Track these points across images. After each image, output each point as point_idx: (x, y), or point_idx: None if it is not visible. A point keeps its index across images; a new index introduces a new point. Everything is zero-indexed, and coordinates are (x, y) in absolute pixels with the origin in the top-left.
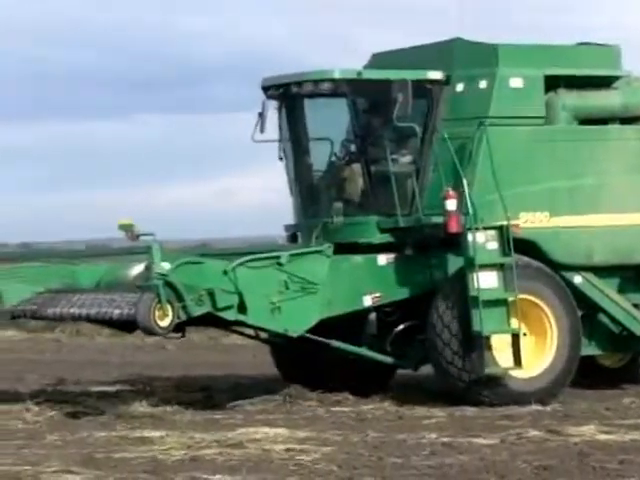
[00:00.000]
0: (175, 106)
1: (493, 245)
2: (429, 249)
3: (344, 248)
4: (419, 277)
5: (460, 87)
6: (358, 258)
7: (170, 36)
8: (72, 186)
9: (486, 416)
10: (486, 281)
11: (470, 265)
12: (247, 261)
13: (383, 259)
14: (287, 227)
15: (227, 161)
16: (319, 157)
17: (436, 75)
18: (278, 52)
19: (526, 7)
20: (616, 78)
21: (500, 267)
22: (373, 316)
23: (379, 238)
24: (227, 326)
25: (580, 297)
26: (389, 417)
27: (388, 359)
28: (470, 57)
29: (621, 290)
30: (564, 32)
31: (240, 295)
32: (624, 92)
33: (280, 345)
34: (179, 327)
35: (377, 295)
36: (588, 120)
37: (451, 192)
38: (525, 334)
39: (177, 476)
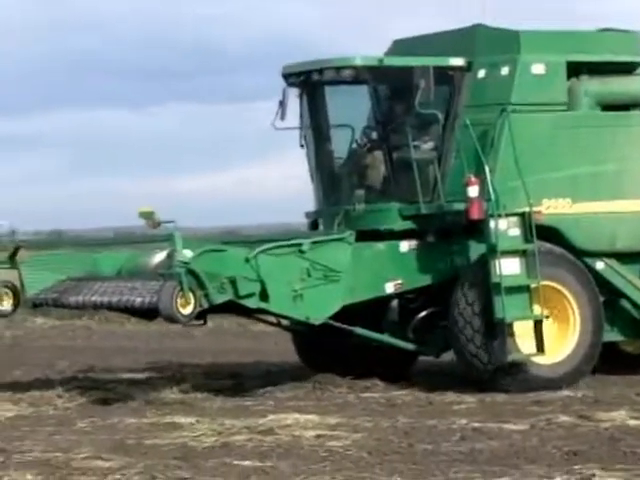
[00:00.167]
0: (200, 94)
1: (515, 232)
2: (451, 236)
3: (366, 235)
4: (441, 264)
5: (482, 73)
6: (380, 245)
7: (188, 22)
8: (100, 173)
9: (516, 402)
10: (508, 268)
11: (492, 252)
12: (269, 249)
13: (405, 246)
14: (308, 214)
15: (252, 149)
16: (340, 144)
17: (458, 62)
18: (307, 39)
19: None
20: (638, 64)
21: (522, 254)
22: (395, 303)
23: (401, 225)
24: (249, 314)
25: (602, 283)
26: (419, 403)
27: (410, 346)
28: (492, 43)
29: None
30: (590, 18)
31: (262, 283)
32: None
33: (302, 332)
34: (201, 315)
35: (399, 282)
36: (610, 106)
37: (473, 179)
38: (548, 316)
39: (208, 462)
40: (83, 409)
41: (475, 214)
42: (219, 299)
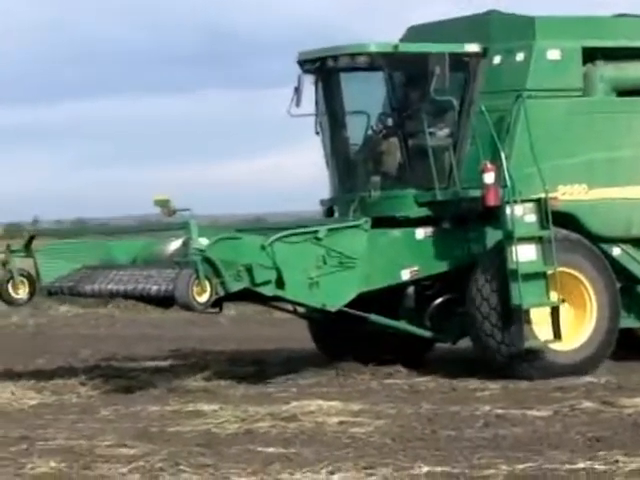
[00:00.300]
0: (230, 81)
1: (531, 218)
2: (467, 222)
3: (381, 222)
4: (457, 251)
5: (497, 60)
6: (396, 232)
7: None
8: (129, 162)
9: (539, 388)
10: (525, 254)
11: (509, 238)
12: (285, 236)
13: (421, 233)
14: (323, 201)
15: (282, 136)
16: (356, 131)
17: (473, 48)
18: (328, 25)
19: None
20: None
21: (539, 240)
22: (411, 290)
23: (417, 212)
24: (265, 301)
25: (619, 269)
26: (442, 389)
27: (426, 333)
28: (507, 29)
29: None
30: (606, 4)
31: (278, 270)
32: None
33: (318, 320)
34: (217, 303)
35: (415, 269)
36: (626, 92)
37: (489, 165)
38: (564, 300)
39: (231, 449)
40: (106, 397)
41: (491, 201)
42: (235, 287)
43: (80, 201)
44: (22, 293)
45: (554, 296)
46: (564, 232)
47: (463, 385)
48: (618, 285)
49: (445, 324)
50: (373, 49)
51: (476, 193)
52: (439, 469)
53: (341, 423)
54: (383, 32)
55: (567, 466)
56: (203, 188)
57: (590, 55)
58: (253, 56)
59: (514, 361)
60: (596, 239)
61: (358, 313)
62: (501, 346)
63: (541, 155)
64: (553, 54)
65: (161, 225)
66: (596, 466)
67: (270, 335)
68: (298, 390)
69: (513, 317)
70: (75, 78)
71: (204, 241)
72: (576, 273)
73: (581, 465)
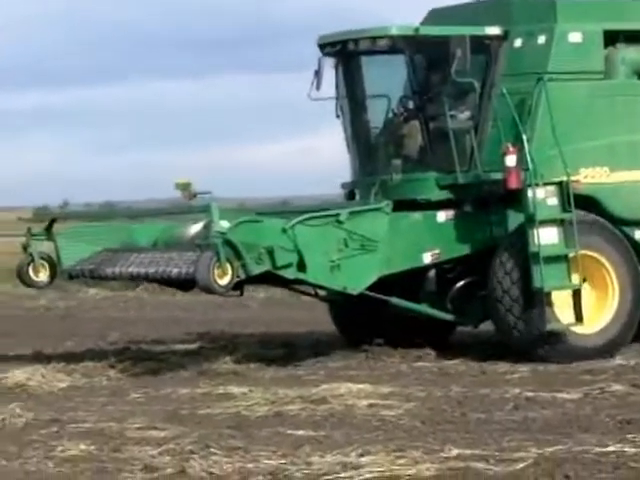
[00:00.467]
0: (256, 65)
1: (553, 201)
2: (488, 205)
3: (403, 205)
4: (478, 234)
5: (518, 42)
6: (417, 215)
7: None
8: (153, 145)
9: (569, 371)
10: (546, 237)
11: (530, 221)
12: (306, 219)
13: (442, 216)
14: (344, 185)
15: (310, 119)
16: (376, 114)
17: (494, 31)
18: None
19: None
20: None
21: (560, 223)
22: (432, 273)
23: (438, 195)
24: (286, 284)
25: None
26: (472, 372)
27: (448, 316)
28: (528, 12)
29: None
30: None
31: (299, 253)
32: None
33: (339, 303)
34: (238, 285)
35: (436, 252)
36: None
37: (510, 148)
38: (586, 280)
39: (261, 431)
40: (136, 380)
41: (513, 183)
42: (256, 270)
43: (108, 185)
44: (42, 276)
45: (576, 279)
46: (586, 215)
47: (492, 368)
48: None
49: (467, 307)
50: (394, 32)
51: (497, 176)
52: (469, 452)
53: (371, 406)
54: (406, 15)
55: (597, 449)
56: (230, 171)
57: (611, 38)
58: (280, 39)
59: (536, 344)
60: (618, 222)
61: (379, 296)
62: (523, 329)
63: (563, 138)
64: (574, 37)
65: (183, 208)
66: (626, 449)
67: (299, 318)
68: (327, 373)
69: (535, 300)
70: (104, 61)
71: (225, 224)
72: (598, 256)
73: (611, 448)
